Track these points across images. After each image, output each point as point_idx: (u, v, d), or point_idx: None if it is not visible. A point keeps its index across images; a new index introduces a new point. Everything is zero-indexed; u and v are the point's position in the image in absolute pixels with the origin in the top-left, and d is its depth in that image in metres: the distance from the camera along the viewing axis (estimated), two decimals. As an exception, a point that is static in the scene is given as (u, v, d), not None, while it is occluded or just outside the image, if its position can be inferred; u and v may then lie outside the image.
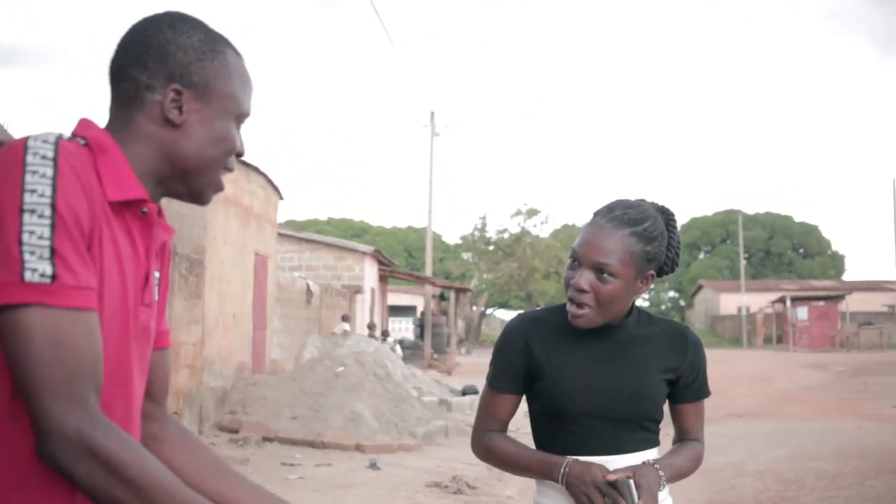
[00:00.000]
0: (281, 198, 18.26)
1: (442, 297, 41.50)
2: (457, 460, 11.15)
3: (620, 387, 2.46)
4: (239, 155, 1.70)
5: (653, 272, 2.51)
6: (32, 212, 1.33)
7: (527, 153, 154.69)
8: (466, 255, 63.90)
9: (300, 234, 29.05)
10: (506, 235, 59.50)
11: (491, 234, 60.02)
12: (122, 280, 1.50)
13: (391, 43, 62.95)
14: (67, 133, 1.52)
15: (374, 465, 10.37)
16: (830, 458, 11.38)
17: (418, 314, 43.72)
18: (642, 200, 2.55)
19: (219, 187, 1.70)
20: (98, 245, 1.42)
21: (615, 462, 2.41)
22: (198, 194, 1.68)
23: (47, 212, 1.34)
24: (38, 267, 1.32)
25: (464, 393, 18.55)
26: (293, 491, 8.90)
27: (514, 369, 2.55)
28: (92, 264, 1.40)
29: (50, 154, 1.38)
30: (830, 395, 21.09)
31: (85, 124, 1.57)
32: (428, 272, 37.08)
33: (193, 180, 1.65)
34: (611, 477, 2.31)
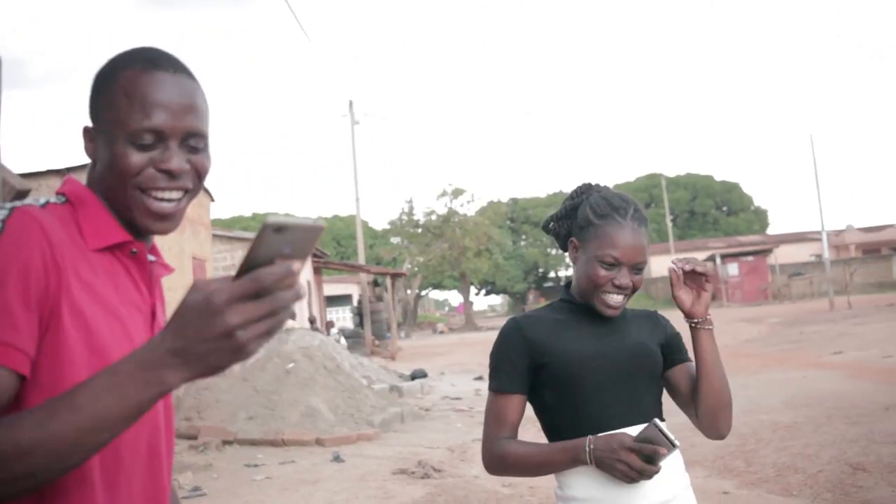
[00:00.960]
0: (213, 199, 18.14)
1: (376, 283, 41.47)
2: (417, 445, 11.21)
3: (625, 349, 2.64)
4: (168, 173, 1.59)
5: None
6: None
7: (447, 134, 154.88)
8: (396, 240, 63.94)
9: (231, 232, 28.75)
10: (434, 217, 59.61)
11: (419, 216, 60.12)
12: (123, 319, 1.53)
13: (306, 37, 62.67)
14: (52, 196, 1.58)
15: (337, 458, 10.38)
16: (782, 408, 11.64)
17: (355, 302, 43.68)
18: (610, 190, 2.77)
19: (148, 211, 1.60)
20: (68, 295, 1.43)
21: (636, 431, 2.46)
22: (132, 224, 1.62)
23: None
24: None
25: (413, 377, 18.61)
26: (262, 491, 8.88)
27: (516, 368, 2.63)
28: (31, 324, 1.38)
29: (1, 216, 1.41)
30: (770, 348, 21.52)
31: (67, 181, 1.61)
32: (360, 260, 37.05)
33: (120, 212, 1.61)
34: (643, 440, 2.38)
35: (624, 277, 2.58)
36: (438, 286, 73.94)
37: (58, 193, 1.60)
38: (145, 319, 1.60)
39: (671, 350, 2.76)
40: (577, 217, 2.69)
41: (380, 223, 78.56)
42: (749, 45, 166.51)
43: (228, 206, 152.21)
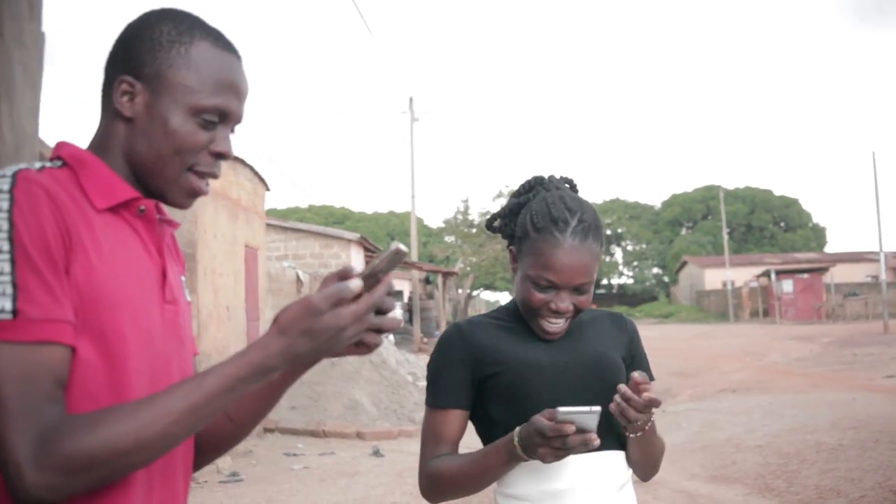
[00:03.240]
0: (267, 189, 18.21)
1: (427, 281, 41.49)
2: (458, 445, 11.19)
3: (582, 360, 2.33)
4: (220, 156, 1.60)
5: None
6: None
7: (506, 134, 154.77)
8: (450, 239, 63.85)
9: (286, 223, 28.91)
10: (489, 217, 59.51)
11: (474, 216, 60.01)
12: (134, 281, 1.49)
13: (370, 33, 62.90)
14: (46, 161, 1.52)
15: (377, 453, 10.40)
16: (828, 430, 11.45)
17: (405, 299, 43.72)
18: (557, 188, 2.39)
19: (190, 190, 1.59)
20: (83, 258, 1.40)
21: (595, 458, 2.24)
22: (161, 196, 1.60)
23: (5, 246, 1.33)
24: None
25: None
26: (299, 481, 8.93)
27: (457, 380, 2.35)
28: (67, 290, 1.36)
29: (6, 187, 1.36)
30: (821, 367, 21.21)
31: (60, 145, 1.56)
32: (413, 257, 37.10)
33: (150, 180, 1.57)
34: (563, 410, 1.99)
35: (562, 301, 2.25)
36: (490, 287, 73.61)
37: (52, 158, 1.54)
38: (155, 280, 1.56)
39: (632, 362, 2.45)
40: (517, 222, 2.38)
41: (435, 221, 78.61)
42: (815, 61, 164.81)
43: (285, 197, 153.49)
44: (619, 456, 2.32)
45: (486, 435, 2.38)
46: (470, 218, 60.05)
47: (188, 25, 1.58)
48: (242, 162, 16.07)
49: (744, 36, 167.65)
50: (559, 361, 2.32)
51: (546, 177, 2.45)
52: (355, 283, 1.39)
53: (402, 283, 52.14)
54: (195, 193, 1.60)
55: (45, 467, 1.27)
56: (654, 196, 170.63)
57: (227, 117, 1.59)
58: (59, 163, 1.51)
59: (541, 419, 2.01)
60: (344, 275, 1.42)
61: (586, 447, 2.01)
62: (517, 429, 2.10)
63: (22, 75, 2.92)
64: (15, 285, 1.31)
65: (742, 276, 60.29)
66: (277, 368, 1.39)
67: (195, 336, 9.30)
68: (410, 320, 34.44)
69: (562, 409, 1.98)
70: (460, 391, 2.34)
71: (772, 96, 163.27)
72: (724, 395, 15.98)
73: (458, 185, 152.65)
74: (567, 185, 2.45)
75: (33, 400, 1.30)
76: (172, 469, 1.56)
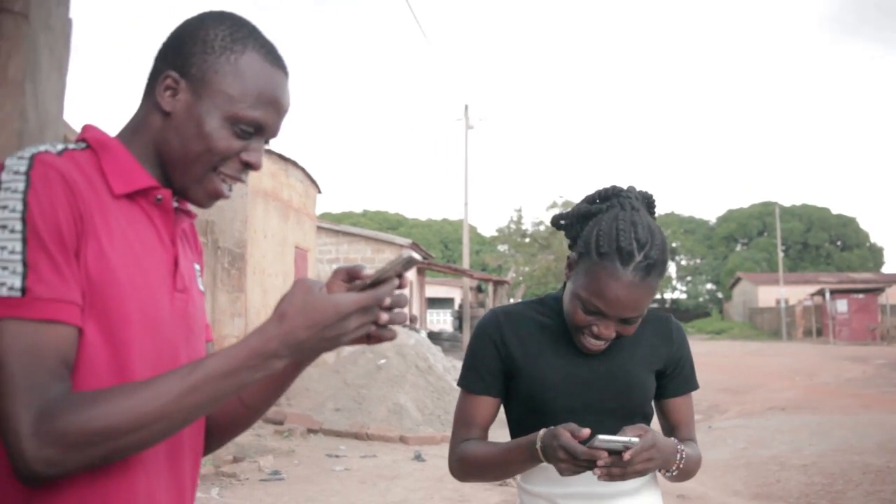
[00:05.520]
0: (319, 191, 18.33)
1: (479, 290, 41.44)
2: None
3: (605, 376, 2.29)
4: (248, 166, 1.62)
5: None
6: (3, 227, 1.34)
7: (562, 144, 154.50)
8: (503, 248, 63.75)
9: (338, 226, 29.08)
10: (542, 228, 59.27)
11: (527, 226, 59.85)
12: (144, 269, 1.50)
13: (425, 39, 63.01)
14: (71, 143, 1.54)
15: (419, 457, 10.41)
16: (875, 451, 11.28)
17: (456, 306, 43.73)
18: (633, 208, 2.24)
19: (213, 191, 1.61)
20: (94, 243, 1.42)
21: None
22: (183, 191, 1.61)
23: (18, 226, 1.34)
24: (7, 281, 1.32)
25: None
26: (340, 482, 8.96)
27: (488, 367, 2.36)
28: (76, 273, 1.38)
29: (23, 169, 1.38)
30: (872, 389, 20.89)
31: (86, 128, 1.58)
32: (465, 265, 37.05)
33: (175, 174, 1.59)
34: (585, 432, 2.00)
35: (607, 329, 2.19)
36: (541, 297, 73.51)
37: (78, 140, 1.56)
38: (167, 269, 1.57)
39: (670, 377, 2.41)
40: (583, 233, 2.26)
41: (488, 230, 78.60)
42: (876, 78, 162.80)
43: (340, 202, 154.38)
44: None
45: (511, 425, 2.41)
46: (523, 227, 59.90)
47: (244, 34, 1.59)
48: (294, 164, 16.19)
49: (805, 53, 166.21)
50: (583, 374, 2.29)
51: (625, 189, 2.31)
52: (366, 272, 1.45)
53: (453, 291, 52.18)
54: (217, 195, 1.62)
55: (44, 441, 1.28)
56: (709, 211, 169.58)
57: (262, 130, 1.60)
58: (83, 145, 1.54)
59: (570, 439, 1.99)
60: (354, 274, 1.46)
61: (611, 478, 2.01)
62: (541, 432, 2.09)
63: (48, 58, 2.98)
64: (25, 264, 1.33)
65: (796, 294, 59.63)
66: (279, 355, 1.37)
67: (241, 334, 9.53)
68: (460, 327, 34.43)
69: (601, 437, 1.97)
70: (491, 379, 2.36)
71: (833, 113, 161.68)
72: (772, 413, 15.80)
73: (512, 193, 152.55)
74: (645, 205, 2.33)
75: (38, 376, 1.31)
76: (178, 452, 1.57)
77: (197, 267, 1.73)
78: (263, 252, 14.16)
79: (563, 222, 2.38)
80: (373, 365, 13.96)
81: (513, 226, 60.36)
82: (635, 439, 2.00)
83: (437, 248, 72.59)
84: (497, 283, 39.17)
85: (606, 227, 2.17)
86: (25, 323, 1.32)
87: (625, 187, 2.33)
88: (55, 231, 1.36)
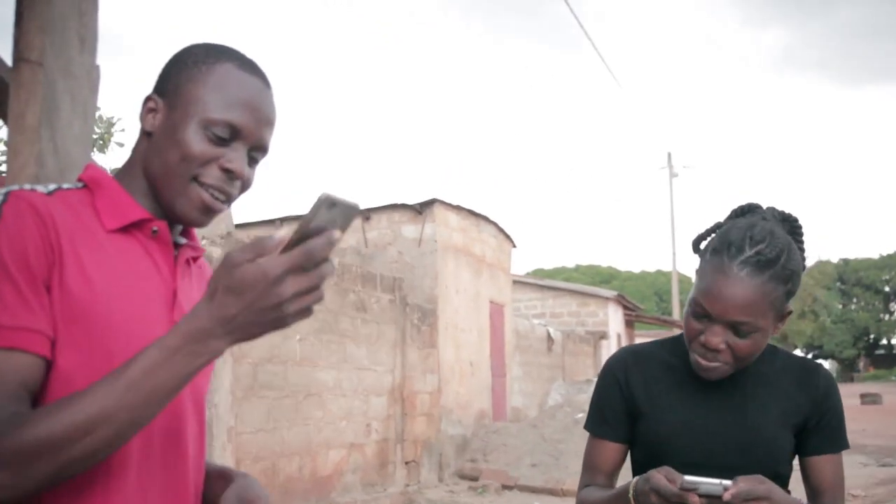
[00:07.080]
0: (514, 246, 18.25)
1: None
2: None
3: (730, 430, 2.09)
4: (230, 174, 1.57)
5: (791, 309, 2.07)
6: None
7: (769, 186, 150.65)
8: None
9: (542, 281, 29.08)
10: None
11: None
12: (137, 302, 1.50)
13: (620, 87, 62.99)
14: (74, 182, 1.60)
15: (613, 513, 10.08)
16: None
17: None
18: (764, 219, 2.08)
19: (199, 203, 1.57)
20: (76, 274, 1.42)
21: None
22: (171, 209, 1.58)
23: None
24: None
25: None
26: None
27: (612, 410, 2.24)
28: (44, 303, 1.39)
29: None
30: None
31: (87, 168, 1.62)
32: (675, 315, 36.31)
33: (161, 192, 1.58)
34: (689, 479, 1.84)
35: (714, 336, 1.99)
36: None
37: (78, 180, 1.60)
38: (165, 302, 1.56)
39: (812, 431, 2.14)
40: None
41: (702, 279, 77.07)
42: None
43: (552, 257, 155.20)
44: None
45: (633, 473, 2.20)
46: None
47: (219, 51, 1.61)
48: (486, 219, 16.22)
49: None
50: (706, 426, 2.11)
51: (763, 207, 2.16)
52: (277, 235, 1.25)
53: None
54: (206, 208, 1.58)
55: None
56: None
57: (238, 134, 1.57)
58: (80, 185, 1.58)
59: (660, 479, 1.86)
60: (259, 249, 1.28)
61: None
62: (634, 480, 1.96)
63: (69, 104, 3.02)
64: None
65: None
66: (214, 334, 1.29)
67: (434, 390, 9.56)
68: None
69: (688, 477, 1.84)
70: (616, 424, 2.25)
71: None
72: None
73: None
74: (786, 224, 2.12)
75: None
76: (181, 457, 1.58)
77: None
78: (456, 307, 14.14)
79: (700, 244, 2.17)
80: (570, 419, 13.71)
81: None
82: (728, 482, 1.81)
83: (650, 300, 71.42)
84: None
85: (726, 228, 2.07)
86: None
87: (766, 206, 2.17)
88: (22, 262, 1.37)
